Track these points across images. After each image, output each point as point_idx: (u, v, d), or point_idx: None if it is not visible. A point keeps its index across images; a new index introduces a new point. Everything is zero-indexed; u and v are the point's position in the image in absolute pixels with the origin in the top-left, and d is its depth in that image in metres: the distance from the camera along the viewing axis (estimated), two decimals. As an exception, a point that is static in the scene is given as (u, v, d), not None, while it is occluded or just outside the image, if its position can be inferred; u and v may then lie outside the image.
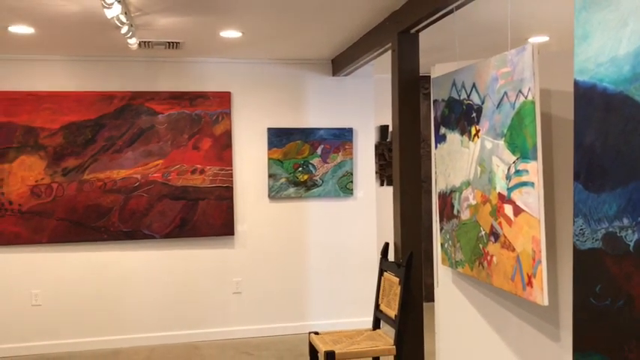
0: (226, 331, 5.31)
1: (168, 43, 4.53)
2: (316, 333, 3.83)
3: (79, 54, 4.95)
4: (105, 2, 2.97)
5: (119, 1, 3.12)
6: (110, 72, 5.07)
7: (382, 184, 6.23)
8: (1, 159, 4.88)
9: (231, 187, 5.26)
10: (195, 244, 5.25)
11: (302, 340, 4.93)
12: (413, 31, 3.68)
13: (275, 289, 5.41)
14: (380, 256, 4.03)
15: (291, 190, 5.41)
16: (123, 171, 5.06)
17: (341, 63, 5.21)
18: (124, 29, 3.63)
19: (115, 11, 3.14)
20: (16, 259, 4.97)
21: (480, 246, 2.92)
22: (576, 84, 1.88)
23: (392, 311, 3.63)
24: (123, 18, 3.37)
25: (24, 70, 4.94)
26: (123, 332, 5.14)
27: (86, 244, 5.05)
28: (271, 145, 5.36)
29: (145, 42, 4.43)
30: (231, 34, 4.34)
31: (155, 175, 5.11)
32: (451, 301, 3.39)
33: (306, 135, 5.42)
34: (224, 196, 5.23)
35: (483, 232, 2.89)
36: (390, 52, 4.00)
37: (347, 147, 5.50)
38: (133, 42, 4.04)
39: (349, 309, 5.51)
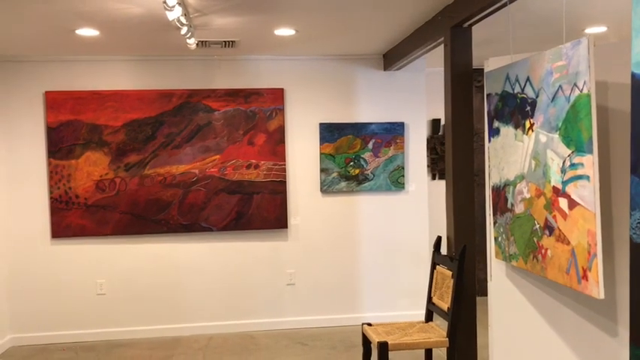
0: (280, 321, 5.45)
1: (225, 42, 4.68)
2: (369, 324, 3.90)
3: (140, 54, 5.16)
4: (167, 5, 3.11)
5: (180, 4, 3.27)
6: (169, 71, 5.27)
7: (434, 178, 6.23)
8: (68, 155, 5.15)
9: (285, 182, 5.38)
10: (250, 236, 5.40)
11: (354, 331, 5.01)
12: (466, 25, 3.68)
13: (328, 281, 5.52)
14: (432, 250, 4.06)
15: (343, 184, 5.49)
16: (182, 166, 5.26)
17: (393, 57, 5.24)
18: (184, 30, 3.78)
19: (176, 13, 3.29)
20: (83, 250, 5.24)
21: (534, 239, 2.92)
22: (633, 76, 1.87)
23: (444, 304, 3.66)
24: (183, 19, 3.51)
25: (89, 71, 5.19)
26: (182, 321, 5.35)
27: (147, 236, 5.28)
28: (323, 139, 5.44)
29: (202, 41, 4.59)
30: (285, 32, 4.45)
31: (212, 170, 5.28)
32: (505, 295, 3.40)
33: (358, 129, 5.48)
34: (278, 190, 5.36)
35: (538, 226, 2.89)
36: (442, 45, 4.02)
37: (398, 141, 5.53)
38: (192, 42, 4.20)
39: (401, 302, 5.55)
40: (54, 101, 5.11)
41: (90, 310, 5.26)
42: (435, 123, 6.17)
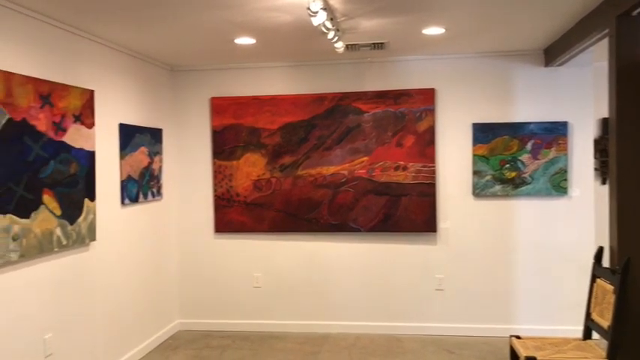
0: (427, 326, 5.33)
1: (373, 44, 4.70)
2: (518, 337, 3.66)
3: (293, 60, 5.39)
4: (310, 11, 3.21)
5: (324, 9, 3.34)
6: (321, 75, 5.43)
7: (604, 183, 5.69)
8: (230, 156, 5.54)
9: (434, 184, 5.26)
10: (398, 238, 5.37)
11: (505, 343, 4.74)
12: (634, 13, 3.30)
13: (479, 288, 5.28)
14: (593, 261, 3.70)
15: (497, 187, 5.22)
16: (332, 167, 5.39)
17: (555, 52, 4.87)
18: (330, 34, 3.86)
19: (320, 19, 3.37)
20: (242, 245, 5.61)
21: None
22: None
23: (605, 321, 3.31)
24: (328, 24, 3.59)
25: (249, 77, 5.54)
26: (330, 318, 5.48)
27: (299, 233, 5.50)
28: (476, 141, 5.23)
29: (351, 45, 4.66)
30: (434, 30, 4.35)
31: (360, 171, 5.34)
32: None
33: (515, 130, 5.18)
34: (426, 193, 5.26)
35: None
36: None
37: (560, 142, 5.13)
38: (340, 46, 4.28)
39: (558, 315, 5.14)
40: (218, 106, 5.54)
41: (246, 301, 5.60)
42: (605, 122, 5.62)
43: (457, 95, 5.29)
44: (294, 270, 5.54)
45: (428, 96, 5.26)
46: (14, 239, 3.28)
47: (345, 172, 5.37)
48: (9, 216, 3.24)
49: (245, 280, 5.61)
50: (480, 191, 5.24)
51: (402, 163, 5.28)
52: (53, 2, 3.42)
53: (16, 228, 3.30)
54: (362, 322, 5.44)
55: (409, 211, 5.28)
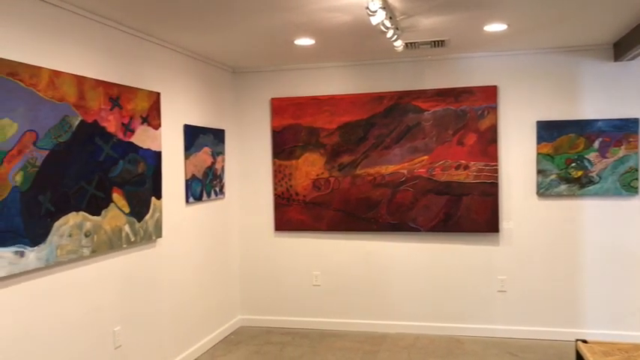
0: (489, 328, 5.23)
1: (433, 42, 4.65)
2: (584, 341, 3.54)
3: (352, 60, 5.41)
4: (369, 10, 3.21)
5: (383, 8, 3.34)
6: (380, 74, 5.42)
7: (678, 182, 5.40)
8: (290, 156, 5.62)
9: (496, 184, 5.15)
10: (459, 239, 5.29)
11: (571, 347, 4.59)
12: None
13: (543, 290, 5.13)
14: (666, 264, 3.53)
15: (563, 187, 5.05)
16: (391, 166, 5.37)
17: (625, 46, 4.67)
18: (389, 33, 3.85)
19: (379, 18, 3.37)
20: (301, 243, 5.67)
21: None
22: None
23: (679, 328, 3.16)
24: (387, 23, 3.58)
25: (308, 78, 5.60)
26: (389, 318, 5.46)
27: (357, 233, 5.51)
28: (540, 139, 5.08)
29: (410, 43, 4.62)
30: (495, 27, 4.26)
31: (420, 170, 5.29)
32: None
33: (581, 127, 5.00)
34: (488, 192, 5.16)
35: None
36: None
37: (631, 140, 4.92)
38: (399, 44, 4.26)
39: (627, 320, 4.93)
40: (278, 107, 5.62)
41: (306, 299, 5.66)
42: (680, 118, 5.35)
43: (520, 92, 5.16)
44: (353, 269, 5.56)
45: (490, 93, 5.16)
46: (86, 235, 3.45)
47: (405, 172, 5.34)
48: (82, 213, 3.41)
49: (304, 279, 5.67)
50: (544, 191, 5.09)
51: (463, 162, 5.20)
52: (124, 10, 3.57)
53: (88, 225, 3.47)
54: (421, 322, 5.39)
55: (471, 211, 5.19)
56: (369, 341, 5.19)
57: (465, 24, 4.17)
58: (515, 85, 5.16)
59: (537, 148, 5.09)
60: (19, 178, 2.94)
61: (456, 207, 5.22)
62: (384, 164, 5.39)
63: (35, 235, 3.05)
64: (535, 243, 5.16)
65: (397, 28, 3.94)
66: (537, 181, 5.11)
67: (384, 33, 3.87)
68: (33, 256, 3.03)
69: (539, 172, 5.10)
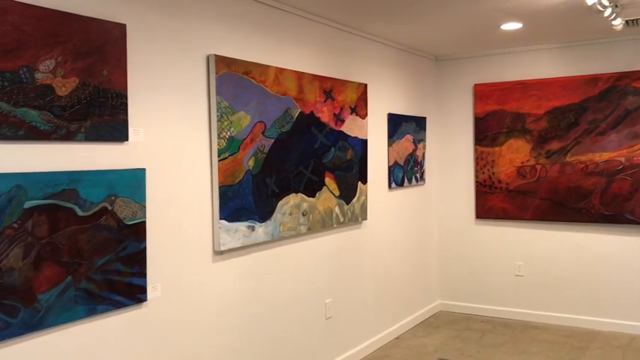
0: None
1: (659, 16, 4.23)
2: None
3: (562, 41, 5.13)
4: (585, -10, 3.06)
5: (600, -14, 3.16)
6: (593, 55, 5.07)
7: None
8: (493, 142, 5.53)
9: None
10: (686, 234, 4.76)
11: None
12: None
13: None
14: None
15: None
16: (605, 154, 5.01)
17: None
18: (607, 12, 3.61)
19: (595, -3, 3.20)
20: (503, 232, 5.57)
21: None
22: None
23: None
24: (605, 1, 3.37)
25: (513, 62, 5.44)
26: (599, 314, 5.12)
27: (565, 223, 5.24)
28: None
29: (632, 20, 4.26)
30: None
31: (640, 158, 4.86)
32: None
33: None
34: None
35: None
36: None
37: None
38: (618, 23, 3.96)
39: None
40: (481, 93, 5.56)
41: (508, 289, 5.56)
42: None
43: None
44: (560, 261, 5.31)
45: None
46: (303, 215, 3.85)
47: (622, 159, 4.94)
48: (300, 195, 3.81)
49: (506, 268, 5.57)
50: None
51: (693, 149, 4.66)
52: (335, 7, 3.87)
53: (304, 205, 3.86)
54: (637, 322, 4.97)
55: (702, 204, 4.64)
56: (576, 337, 4.94)
57: (700, -6, 3.73)
58: None
59: None
60: (251, 162, 3.40)
61: (684, 199, 4.69)
62: (598, 151, 5.04)
63: (263, 213, 3.49)
64: None
65: (616, 6, 3.67)
66: None
67: (601, 12, 3.63)
68: (261, 230, 3.48)
69: None
